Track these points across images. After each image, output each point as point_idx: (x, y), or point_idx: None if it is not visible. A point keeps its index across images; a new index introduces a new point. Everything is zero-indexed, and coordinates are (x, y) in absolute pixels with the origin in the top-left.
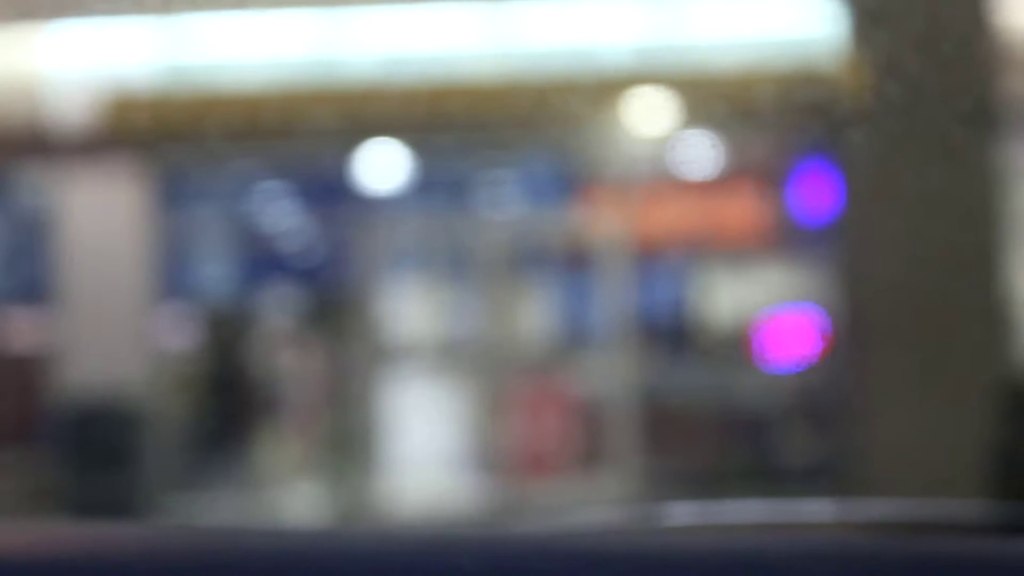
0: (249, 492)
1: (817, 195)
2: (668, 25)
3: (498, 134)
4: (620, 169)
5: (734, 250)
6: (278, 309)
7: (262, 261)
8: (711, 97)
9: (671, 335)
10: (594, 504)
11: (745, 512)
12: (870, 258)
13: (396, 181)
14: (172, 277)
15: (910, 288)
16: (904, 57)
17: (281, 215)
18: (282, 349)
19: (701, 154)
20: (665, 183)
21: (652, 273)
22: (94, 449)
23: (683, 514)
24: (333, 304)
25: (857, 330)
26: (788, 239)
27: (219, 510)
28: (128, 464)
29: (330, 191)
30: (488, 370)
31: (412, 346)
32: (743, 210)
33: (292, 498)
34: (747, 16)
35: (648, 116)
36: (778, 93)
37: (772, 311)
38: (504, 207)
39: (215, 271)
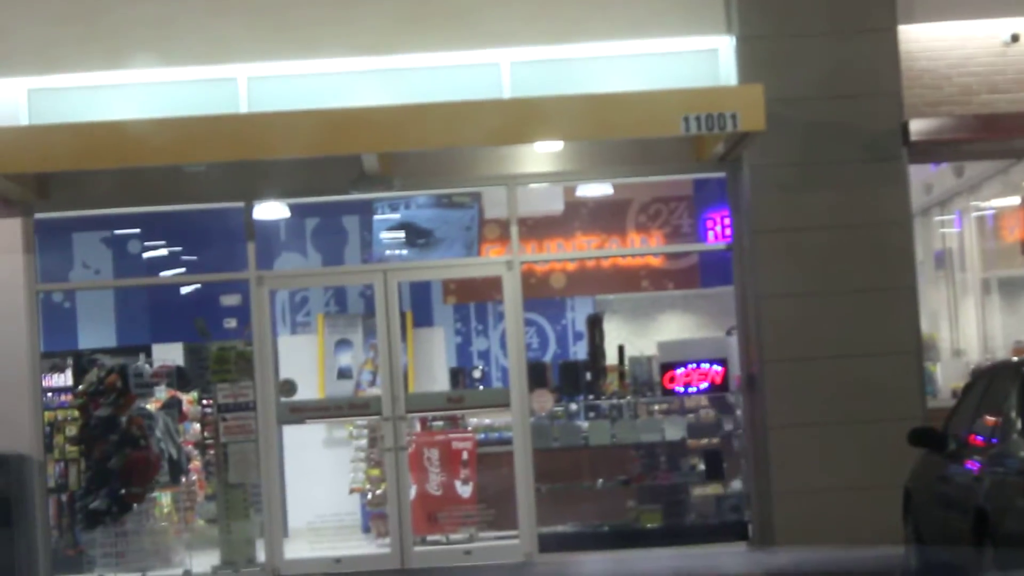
0: None
1: (716, 227)
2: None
3: None
4: None
5: None
6: None
7: None
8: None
9: None
10: None
11: (660, 562)
12: (772, 294)
13: None
14: None
15: (811, 323)
16: (804, 93)
17: None
18: None
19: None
20: None
21: None
22: None
23: (594, 562)
24: None
25: (758, 370)
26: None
27: None
28: None
29: None
30: None
31: None
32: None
33: None
34: (650, 49)
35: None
36: (679, 125)
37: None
38: None
39: None
